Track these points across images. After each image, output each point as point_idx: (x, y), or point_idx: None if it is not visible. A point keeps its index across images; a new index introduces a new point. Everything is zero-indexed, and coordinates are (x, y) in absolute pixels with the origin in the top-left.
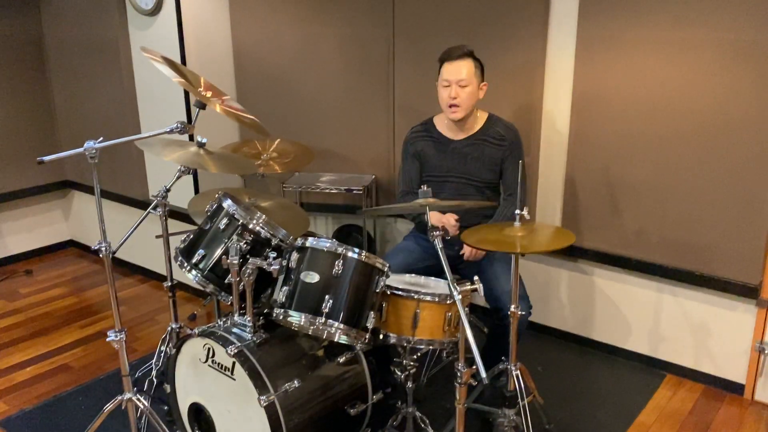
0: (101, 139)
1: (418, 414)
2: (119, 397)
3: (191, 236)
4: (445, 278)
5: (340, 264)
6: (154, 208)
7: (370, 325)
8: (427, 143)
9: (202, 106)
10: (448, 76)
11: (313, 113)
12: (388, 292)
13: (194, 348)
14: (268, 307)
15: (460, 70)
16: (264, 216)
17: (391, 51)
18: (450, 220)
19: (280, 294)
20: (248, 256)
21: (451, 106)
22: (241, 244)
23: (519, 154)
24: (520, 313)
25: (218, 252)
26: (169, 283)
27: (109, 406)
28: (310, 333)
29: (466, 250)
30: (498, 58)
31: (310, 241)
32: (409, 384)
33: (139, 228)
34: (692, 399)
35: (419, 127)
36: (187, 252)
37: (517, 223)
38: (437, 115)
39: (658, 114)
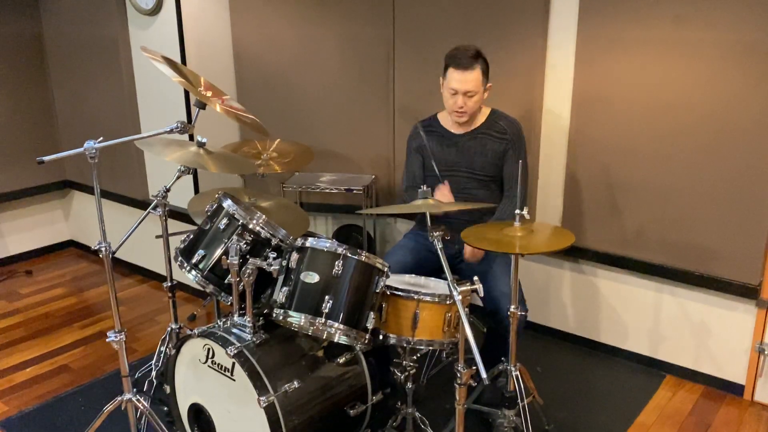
0: (101, 138)
1: (417, 415)
2: (119, 398)
3: (191, 236)
4: (445, 278)
5: (339, 264)
6: (154, 208)
7: (370, 325)
8: (431, 138)
9: (202, 105)
10: (456, 85)
11: (313, 113)
12: (388, 293)
13: (194, 348)
14: (268, 307)
15: (469, 81)
16: (264, 216)
17: (391, 51)
18: (444, 191)
19: (280, 294)
20: (248, 257)
21: (457, 111)
22: (241, 244)
23: (520, 150)
24: (519, 313)
25: (218, 252)
26: (169, 284)
27: (108, 407)
28: (309, 333)
29: (467, 251)
30: (498, 58)
31: (310, 241)
32: (409, 385)
33: (139, 228)
34: (692, 399)
35: (423, 123)
36: (187, 252)
37: (517, 223)
38: (441, 111)
39: (659, 114)
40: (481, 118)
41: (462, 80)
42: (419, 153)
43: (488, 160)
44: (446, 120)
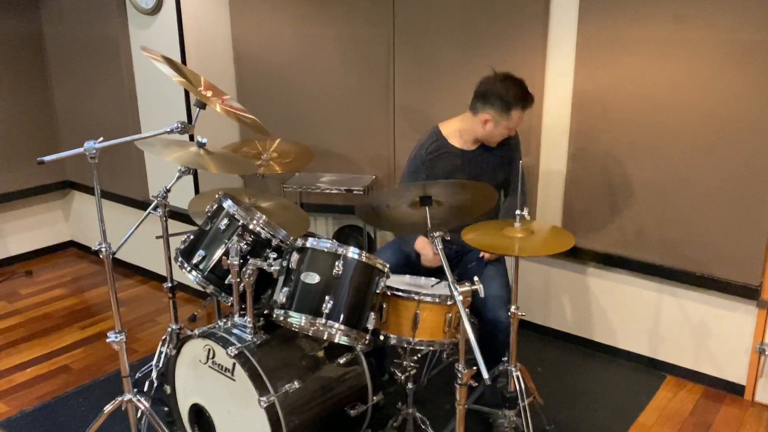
0: (101, 139)
1: (418, 415)
2: (119, 398)
3: (191, 237)
4: (445, 279)
5: (340, 265)
6: (155, 209)
7: (370, 326)
8: (442, 161)
9: (203, 105)
10: (517, 122)
11: (313, 113)
12: (389, 293)
13: (194, 349)
14: (269, 308)
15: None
16: (264, 216)
17: (391, 51)
18: (429, 253)
19: (281, 295)
20: (248, 257)
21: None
22: (242, 244)
23: (519, 154)
24: (498, 320)
25: (218, 253)
26: (169, 284)
27: (109, 407)
28: (310, 334)
29: (485, 253)
30: (498, 58)
31: (311, 242)
32: (410, 385)
33: (139, 229)
34: (692, 400)
35: (432, 146)
36: (187, 253)
37: (517, 224)
38: (442, 124)
39: (659, 114)
40: None
41: (523, 117)
42: (429, 179)
43: (499, 166)
44: (453, 135)
